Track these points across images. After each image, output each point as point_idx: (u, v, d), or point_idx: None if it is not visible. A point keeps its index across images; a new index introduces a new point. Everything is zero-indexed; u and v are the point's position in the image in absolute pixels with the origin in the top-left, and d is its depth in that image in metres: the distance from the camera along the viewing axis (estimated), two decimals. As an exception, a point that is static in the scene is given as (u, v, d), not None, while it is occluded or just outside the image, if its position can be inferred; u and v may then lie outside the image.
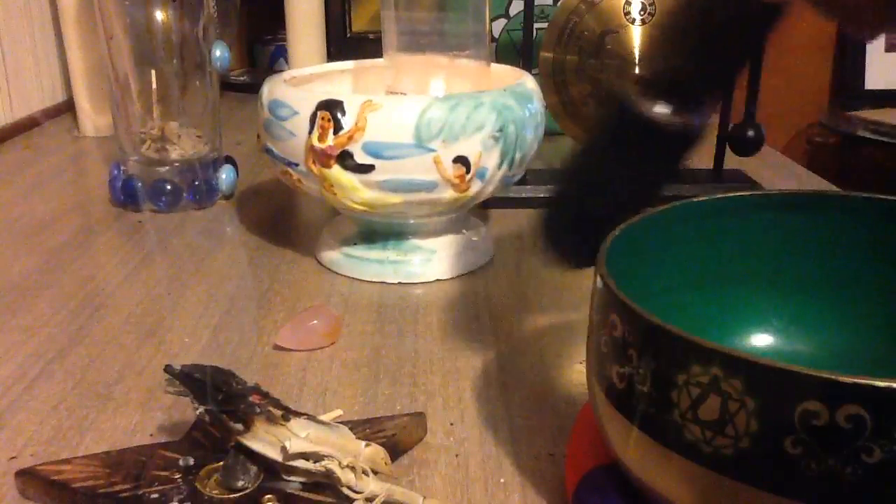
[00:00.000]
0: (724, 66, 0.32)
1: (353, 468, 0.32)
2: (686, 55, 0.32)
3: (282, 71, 0.63)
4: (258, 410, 0.33)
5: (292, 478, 0.33)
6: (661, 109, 0.32)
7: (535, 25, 0.78)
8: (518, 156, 0.54)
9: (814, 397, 0.22)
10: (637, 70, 0.73)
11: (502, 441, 0.39)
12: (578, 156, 0.38)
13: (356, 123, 0.50)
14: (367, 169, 0.51)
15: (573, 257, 0.39)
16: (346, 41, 1.13)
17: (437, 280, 0.57)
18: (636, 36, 0.72)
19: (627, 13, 0.72)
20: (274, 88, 0.55)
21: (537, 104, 0.56)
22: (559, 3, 0.72)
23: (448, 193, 0.52)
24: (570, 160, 0.38)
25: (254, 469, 0.33)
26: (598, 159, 0.36)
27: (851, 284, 0.37)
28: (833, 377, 0.22)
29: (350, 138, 0.50)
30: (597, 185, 0.36)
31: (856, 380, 0.22)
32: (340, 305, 0.53)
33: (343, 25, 1.13)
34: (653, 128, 0.32)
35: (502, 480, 0.36)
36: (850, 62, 1.55)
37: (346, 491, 0.32)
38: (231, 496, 0.33)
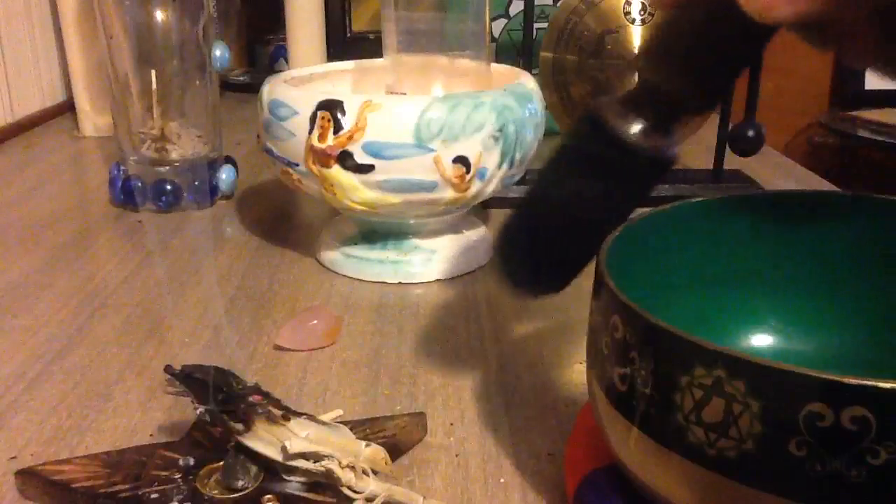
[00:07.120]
0: (715, 80, 0.31)
1: (353, 468, 0.32)
2: (677, 67, 0.30)
3: (282, 71, 0.63)
4: (258, 410, 0.33)
5: (292, 478, 0.33)
6: (635, 129, 0.30)
7: (535, 25, 0.78)
8: (518, 156, 0.54)
9: (818, 399, 0.22)
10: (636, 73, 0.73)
11: (502, 441, 0.39)
12: (540, 175, 0.35)
13: (356, 123, 0.50)
14: (367, 169, 0.51)
15: (529, 286, 0.37)
16: (346, 41, 1.13)
17: (437, 280, 0.57)
18: (636, 36, 0.72)
19: (627, 13, 0.72)
20: (274, 88, 0.55)
21: (537, 104, 0.56)
22: (559, 3, 0.72)
23: (448, 193, 0.52)
24: (534, 180, 0.36)
25: (254, 469, 0.33)
26: (560, 180, 0.33)
27: (851, 284, 0.37)
28: (838, 379, 0.22)
29: (350, 138, 0.50)
30: (557, 210, 0.33)
31: (861, 381, 0.22)
32: (340, 305, 0.53)
33: (343, 25, 1.13)
34: (623, 150, 0.30)
35: (502, 480, 0.36)
36: (849, 62, 1.54)
37: (346, 491, 0.32)
38: (231, 496, 0.32)
